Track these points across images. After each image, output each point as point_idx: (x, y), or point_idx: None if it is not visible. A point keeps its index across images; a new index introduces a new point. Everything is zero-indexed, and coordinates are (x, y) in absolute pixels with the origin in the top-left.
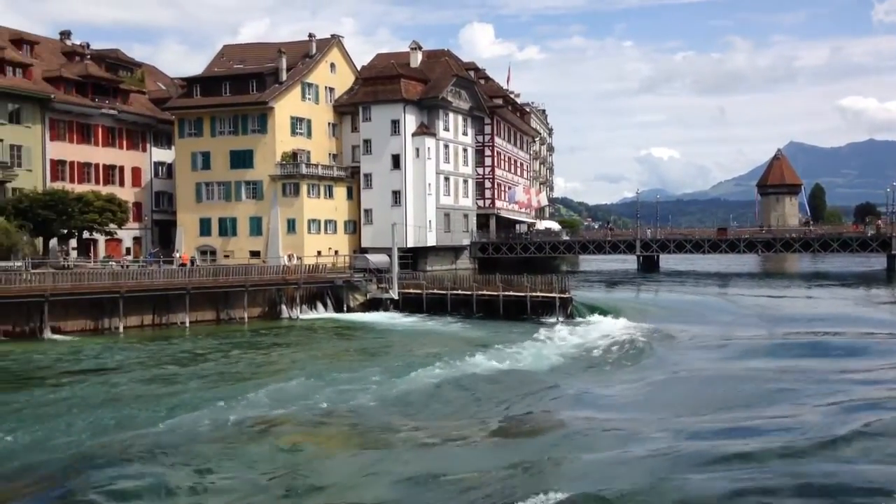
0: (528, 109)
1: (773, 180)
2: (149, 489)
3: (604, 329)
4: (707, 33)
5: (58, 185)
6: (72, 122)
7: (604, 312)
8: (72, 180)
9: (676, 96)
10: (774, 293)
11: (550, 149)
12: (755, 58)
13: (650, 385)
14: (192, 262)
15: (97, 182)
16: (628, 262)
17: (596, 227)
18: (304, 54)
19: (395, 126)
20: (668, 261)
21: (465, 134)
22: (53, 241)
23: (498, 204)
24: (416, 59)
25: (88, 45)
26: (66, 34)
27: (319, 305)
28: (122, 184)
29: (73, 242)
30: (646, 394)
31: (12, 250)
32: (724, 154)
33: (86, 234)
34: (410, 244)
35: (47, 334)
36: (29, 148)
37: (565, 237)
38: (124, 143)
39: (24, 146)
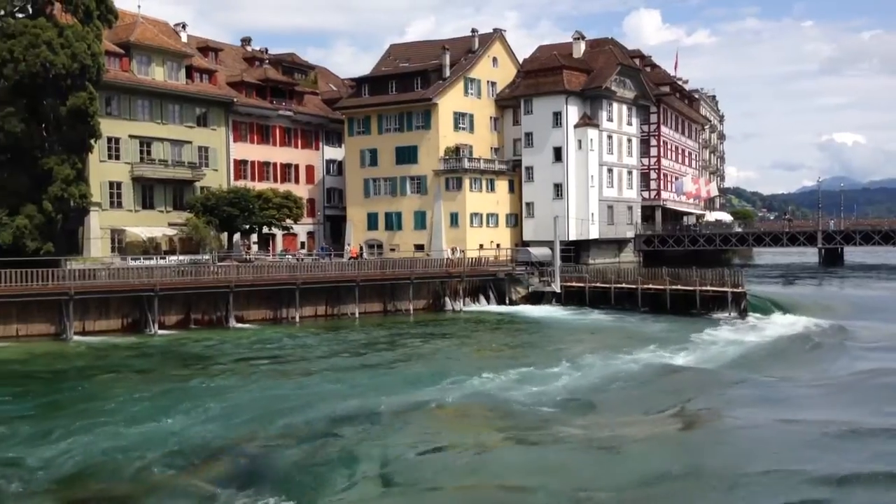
0: (696, 96)
1: None
2: (334, 465)
3: (782, 326)
4: None
5: (240, 183)
6: (252, 123)
7: (782, 308)
8: (252, 178)
9: (862, 77)
10: None
11: (721, 136)
12: None
13: (837, 385)
14: (361, 255)
15: (275, 180)
16: (808, 256)
17: (771, 217)
18: (467, 50)
19: (557, 118)
20: (853, 254)
21: (629, 124)
22: (237, 236)
23: (664, 195)
24: (579, 50)
25: (267, 51)
26: (247, 41)
27: (482, 298)
28: (297, 181)
29: (254, 237)
30: (832, 394)
31: (201, 244)
32: None
33: (265, 230)
34: (572, 237)
35: (232, 323)
36: (215, 149)
37: (737, 229)
38: (299, 142)
39: (210, 147)
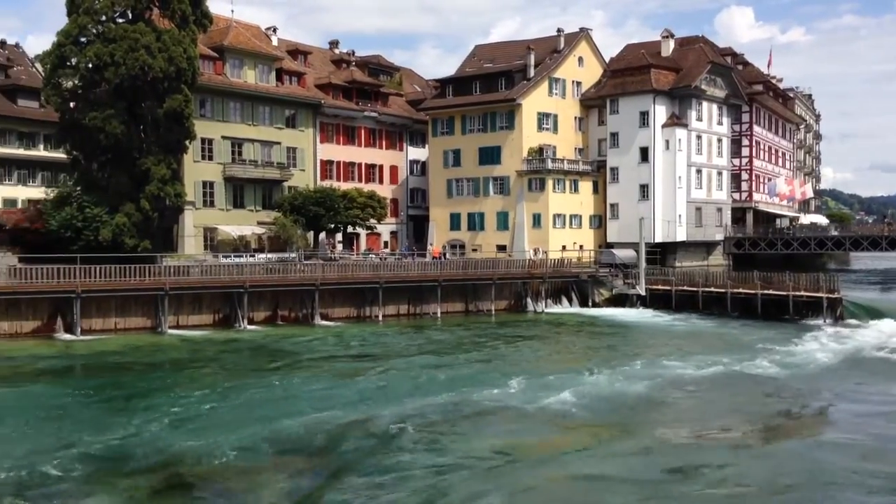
0: (791, 95)
1: None
2: (417, 461)
3: (881, 333)
4: None
5: (326, 183)
6: (338, 124)
7: (880, 315)
8: (338, 178)
9: None
10: None
11: (817, 136)
12: None
13: None
14: (443, 255)
15: (360, 180)
16: None
17: (870, 221)
18: (553, 49)
19: (644, 118)
20: None
21: (719, 123)
22: (322, 235)
23: (756, 197)
24: (668, 48)
25: (354, 53)
26: (334, 43)
27: (564, 300)
28: (381, 181)
29: (339, 236)
30: None
31: (288, 243)
32: None
33: (350, 229)
34: (658, 239)
35: (317, 320)
36: (302, 149)
37: (833, 232)
38: (383, 143)
39: (298, 148)
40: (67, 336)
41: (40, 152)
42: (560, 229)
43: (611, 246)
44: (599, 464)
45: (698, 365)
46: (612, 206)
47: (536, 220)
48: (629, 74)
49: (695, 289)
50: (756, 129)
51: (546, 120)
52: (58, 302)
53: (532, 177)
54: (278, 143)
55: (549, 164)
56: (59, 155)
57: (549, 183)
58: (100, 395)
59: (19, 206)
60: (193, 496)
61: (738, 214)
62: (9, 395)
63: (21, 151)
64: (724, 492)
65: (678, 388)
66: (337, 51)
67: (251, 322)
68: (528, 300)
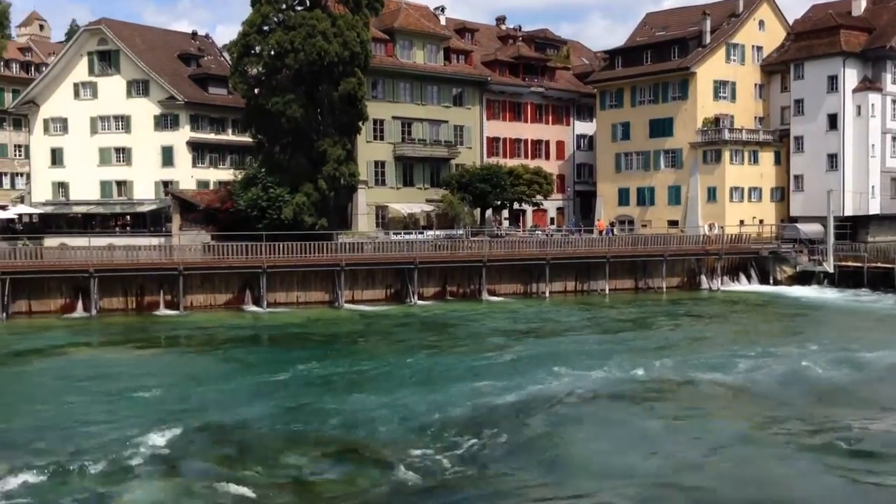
0: None
1: None
2: (590, 439)
3: None
4: None
5: (492, 160)
6: (504, 101)
7: None
8: (504, 155)
9: None
10: None
11: None
12: None
13: None
14: (611, 230)
15: (525, 156)
16: None
17: None
18: (730, 14)
19: (833, 82)
20: None
21: None
22: (489, 212)
23: None
24: (859, 7)
25: (520, 28)
26: (501, 20)
27: (742, 277)
28: (547, 157)
29: (505, 213)
30: None
31: (456, 220)
32: None
33: (516, 205)
34: (848, 212)
35: (484, 296)
36: (469, 127)
37: None
38: (549, 118)
39: (465, 126)
40: (255, 308)
41: (229, 136)
42: (737, 203)
43: (794, 220)
44: (771, 452)
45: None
46: (795, 177)
47: (711, 194)
48: (815, 37)
49: (890, 266)
50: None
51: (723, 88)
52: (246, 276)
53: (707, 148)
54: (445, 122)
55: (726, 135)
56: (246, 139)
57: (726, 154)
58: (282, 363)
59: (211, 187)
60: (363, 462)
61: None
62: (207, 360)
63: (212, 136)
64: None
65: (859, 376)
66: (504, 27)
67: (421, 297)
68: (703, 277)
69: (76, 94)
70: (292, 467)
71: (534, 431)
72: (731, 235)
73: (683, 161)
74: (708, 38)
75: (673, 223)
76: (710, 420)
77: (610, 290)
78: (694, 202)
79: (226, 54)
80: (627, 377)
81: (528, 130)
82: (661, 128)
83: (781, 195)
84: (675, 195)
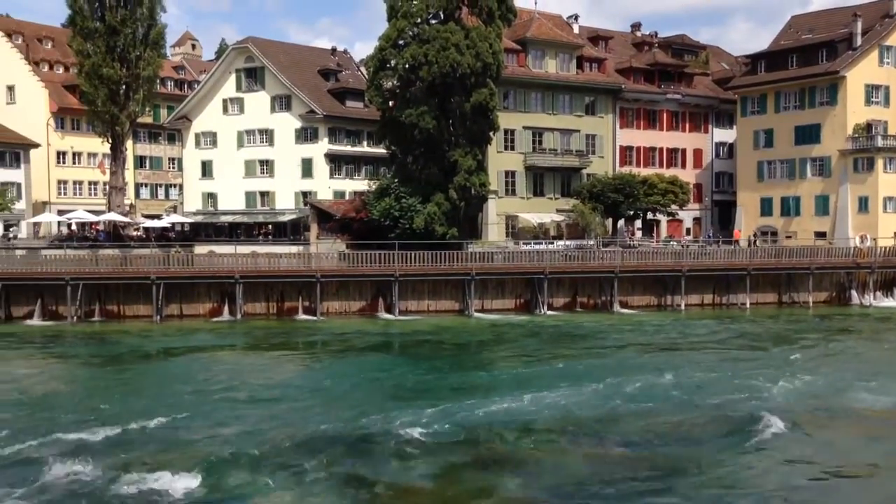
0: None
1: None
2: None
3: None
4: None
5: (625, 169)
6: (639, 109)
7: None
8: (637, 164)
9: None
10: None
11: None
12: None
13: None
14: (753, 241)
15: (660, 165)
16: None
17: None
18: (884, 14)
19: None
20: None
21: None
22: (621, 222)
23: None
24: None
25: (656, 34)
26: (636, 26)
27: None
28: (683, 166)
29: (638, 223)
30: None
31: (587, 230)
32: None
33: (649, 215)
34: None
35: (616, 308)
36: (601, 136)
37: None
38: (686, 125)
39: (597, 135)
40: (387, 315)
41: (364, 148)
42: (891, 214)
43: None
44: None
45: None
46: None
47: (863, 204)
48: None
49: None
50: None
51: (875, 93)
52: (379, 284)
53: (858, 156)
54: (577, 131)
55: (880, 142)
56: (380, 150)
57: (880, 162)
58: (414, 370)
59: (347, 197)
60: (493, 471)
61: None
62: (343, 364)
63: (348, 148)
64: None
65: None
66: (639, 33)
67: (550, 308)
68: (853, 292)
69: (224, 110)
70: (426, 476)
71: (655, 452)
72: (885, 248)
73: (832, 169)
74: (859, 41)
75: (820, 235)
76: None
77: (751, 303)
78: (843, 212)
79: (363, 69)
80: (770, 402)
81: (663, 138)
82: (808, 134)
83: None
84: (822, 205)
